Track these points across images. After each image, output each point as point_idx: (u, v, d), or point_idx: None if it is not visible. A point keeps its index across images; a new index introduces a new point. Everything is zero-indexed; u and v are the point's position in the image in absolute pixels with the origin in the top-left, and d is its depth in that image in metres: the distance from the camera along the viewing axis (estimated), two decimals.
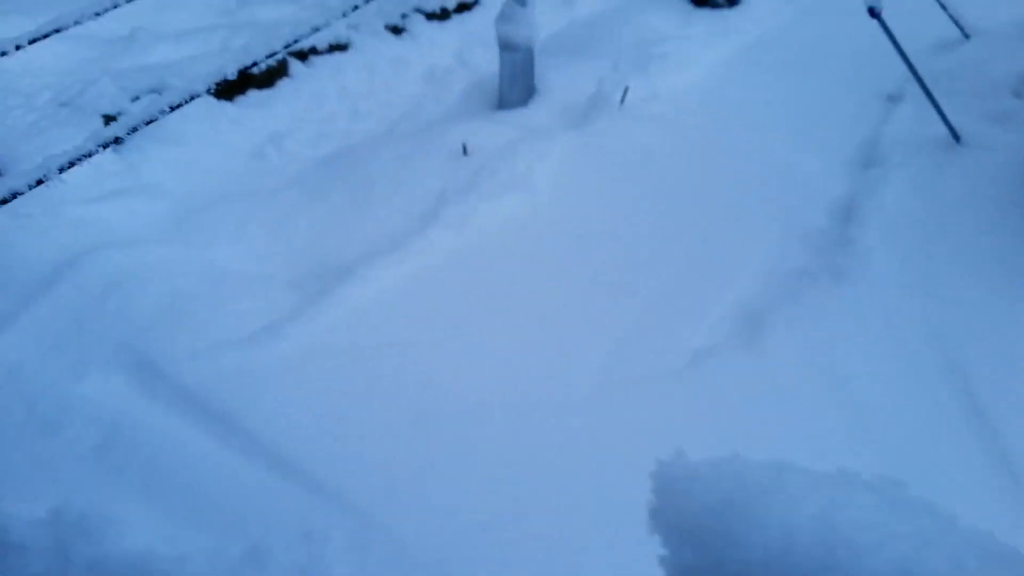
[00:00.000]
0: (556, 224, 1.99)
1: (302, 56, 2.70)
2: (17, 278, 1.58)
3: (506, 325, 1.63)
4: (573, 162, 2.26)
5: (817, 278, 1.73)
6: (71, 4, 2.24)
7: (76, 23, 1.50)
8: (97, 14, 1.54)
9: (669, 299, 1.72)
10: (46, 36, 1.45)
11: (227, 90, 2.45)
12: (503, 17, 2.53)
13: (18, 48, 1.39)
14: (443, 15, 3.30)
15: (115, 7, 1.57)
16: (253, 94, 2.49)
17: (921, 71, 2.19)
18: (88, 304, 1.55)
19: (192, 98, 1.55)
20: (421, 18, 3.20)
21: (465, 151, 2.18)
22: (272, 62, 2.57)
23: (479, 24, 3.37)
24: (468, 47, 3.20)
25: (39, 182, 1.01)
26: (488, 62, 3.14)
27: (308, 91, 2.57)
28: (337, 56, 2.78)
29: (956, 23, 2.69)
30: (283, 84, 2.59)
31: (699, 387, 1.45)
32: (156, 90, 2.22)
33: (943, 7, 2.66)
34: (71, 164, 1.03)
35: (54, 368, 1.45)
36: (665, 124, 2.49)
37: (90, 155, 1.06)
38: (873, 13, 1.96)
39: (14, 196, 0.98)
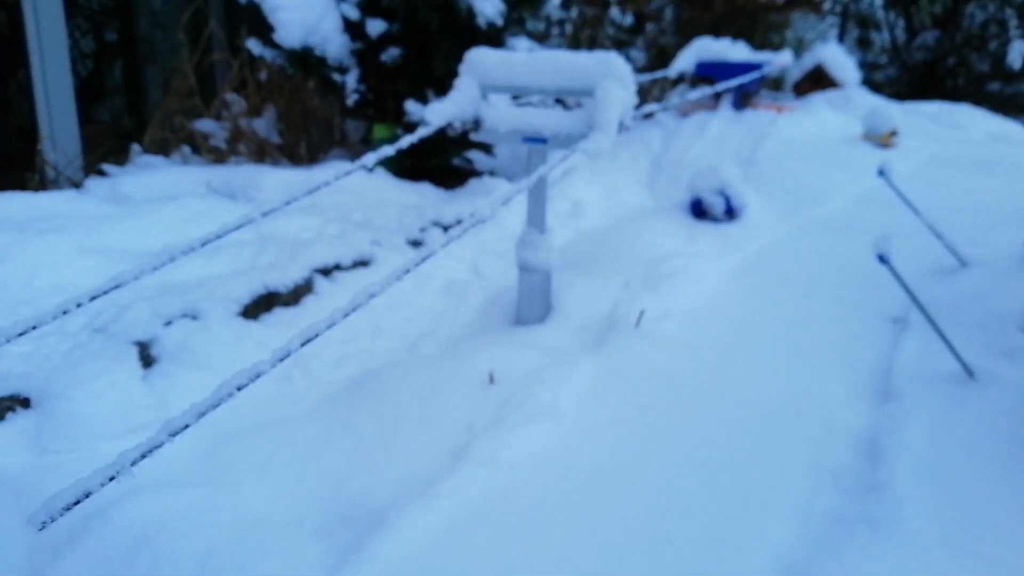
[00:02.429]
0: (584, 462, 1.99)
1: (326, 272, 2.80)
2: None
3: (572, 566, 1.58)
4: (595, 388, 2.29)
5: (853, 529, 1.71)
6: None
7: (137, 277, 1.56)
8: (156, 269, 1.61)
9: (707, 549, 1.69)
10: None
11: (253, 308, 2.51)
12: (523, 243, 2.67)
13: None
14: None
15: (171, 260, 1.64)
16: (279, 312, 2.56)
17: (924, 299, 2.30)
18: (117, 563, 1.50)
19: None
20: (439, 231, 3.35)
21: (492, 380, 2.21)
22: (299, 280, 2.66)
23: (492, 236, 3.53)
24: (483, 258, 3.33)
25: (111, 479, 1.01)
26: (502, 274, 3.26)
27: (332, 308, 2.63)
28: (360, 272, 2.88)
29: (952, 251, 2.85)
30: (308, 301, 2.66)
31: None
32: (188, 315, 2.27)
33: (939, 236, 2.83)
34: (143, 457, 1.04)
35: None
36: (681, 346, 2.56)
37: (160, 446, 1.07)
38: (882, 260, 2.08)
39: (87, 495, 0.98)
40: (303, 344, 1.39)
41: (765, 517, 1.82)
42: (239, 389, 1.28)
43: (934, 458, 1.95)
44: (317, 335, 1.42)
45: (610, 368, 2.39)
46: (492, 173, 4.29)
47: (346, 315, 1.49)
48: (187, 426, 1.15)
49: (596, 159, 3.18)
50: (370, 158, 2.17)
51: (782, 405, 2.28)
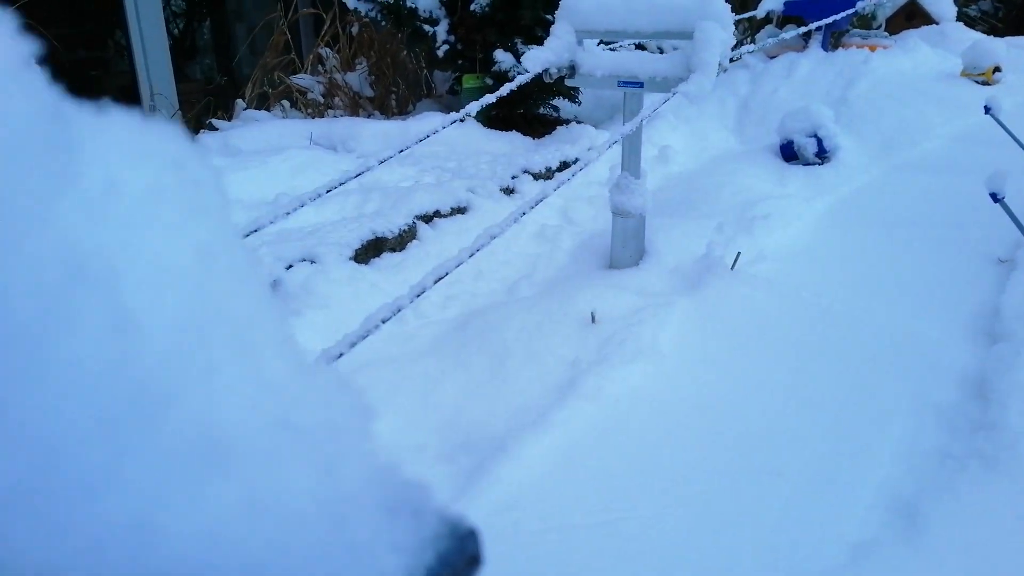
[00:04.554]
0: (689, 397, 2.06)
1: (427, 219, 2.91)
2: None
3: (656, 508, 1.67)
4: (693, 329, 2.35)
5: (965, 465, 1.74)
6: None
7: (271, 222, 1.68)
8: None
9: (814, 482, 1.75)
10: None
11: (363, 252, 2.65)
12: (618, 188, 2.71)
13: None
14: (547, 175, 3.52)
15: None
16: (387, 256, 2.69)
17: None
18: None
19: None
20: (529, 178, 3.42)
21: (593, 319, 2.29)
22: (403, 226, 2.78)
23: (580, 181, 3.57)
24: (572, 205, 3.38)
25: None
26: (591, 219, 3.31)
27: (435, 253, 2.75)
28: (459, 219, 2.98)
29: None
30: (412, 246, 2.78)
31: None
32: (307, 259, 2.42)
33: None
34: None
35: None
36: (777, 288, 2.58)
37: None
38: (995, 198, 2.05)
39: None
40: (436, 281, 1.49)
41: (871, 452, 1.86)
42: (383, 322, 1.39)
43: None
44: (447, 273, 1.52)
45: (707, 309, 2.44)
46: (577, 120, 4.31)
47: (471, 255, 1.59)
48: (341, 355, 1.26)
49: (696, 102, 3.17)
50: (473, 106, 2.22)
51: (883, 345, 2.29)
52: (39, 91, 0.22)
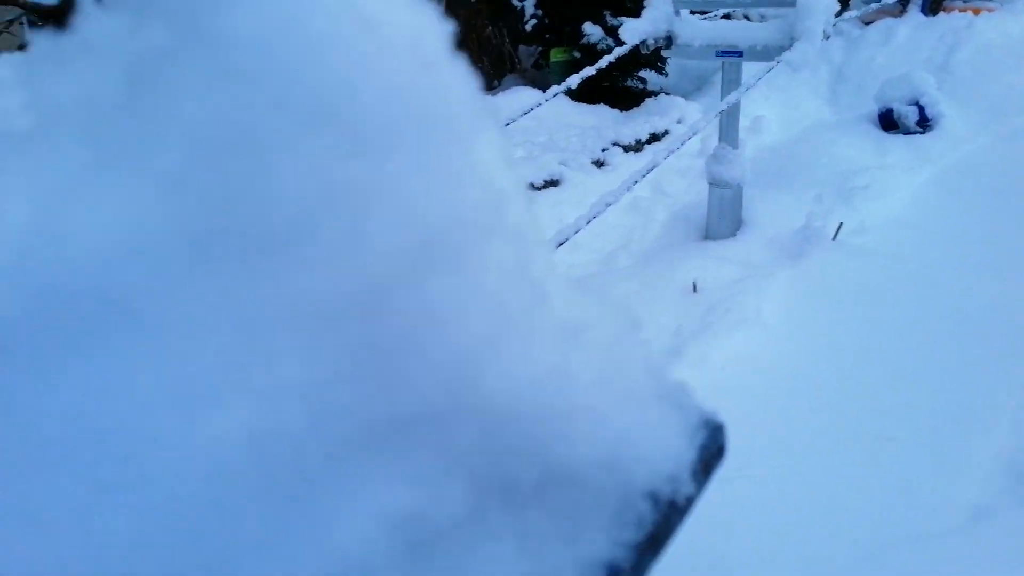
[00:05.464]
0: (793, 364, 2.07)
1: None
2: None
3: (766, 468, 1.70)
4: (796, 299, 2.34)
5: None
6: None
7: None
8: None
9: (929, 448, 1.74)
10: None
11: None
12: (715, 158, 2.70)
13: None
14: (637, 147, 3.53)
15: None
16: None
17: None
18: None
19: None
20: (619, 151, 3.43)
21: (695, 289, 2.31)
22: None
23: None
24: (664, 177, 3.38)
25: None
26: (683, 191, 3.31)
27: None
28: (552, 191, 3.03)
29: None
30: None
31: (982, 550, 1.46)
32: None
33: None
34: None
35: None
36: (880, 259, 2.54)
37: None
38: None
39: None
40: (559, 245, 1.54)
41: (985, 423, 1.83)
42: None
43: None
44: (567, 239, 1.57)
45: (809, 280, 2.42)
46: (665, 92, 4.28)
47: (588, 221, 1.63)
48: None
49: (799, 70, 3.10)
50: (574, 79, 2.24)
51: (992, 316, 2.23)
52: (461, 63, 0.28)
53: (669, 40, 2.70)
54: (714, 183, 2.73)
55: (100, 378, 0.21)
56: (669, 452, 0.33)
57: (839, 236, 2.60)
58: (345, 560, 0.24)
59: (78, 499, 0.21)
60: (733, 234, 2.79)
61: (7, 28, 3.40)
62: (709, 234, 2.83)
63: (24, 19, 3.58)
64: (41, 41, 0.24)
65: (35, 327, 0.20)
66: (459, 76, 0.28)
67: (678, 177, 3.40)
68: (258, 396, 0.22)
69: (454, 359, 0.26)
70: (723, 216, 2.79)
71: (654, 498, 0.32)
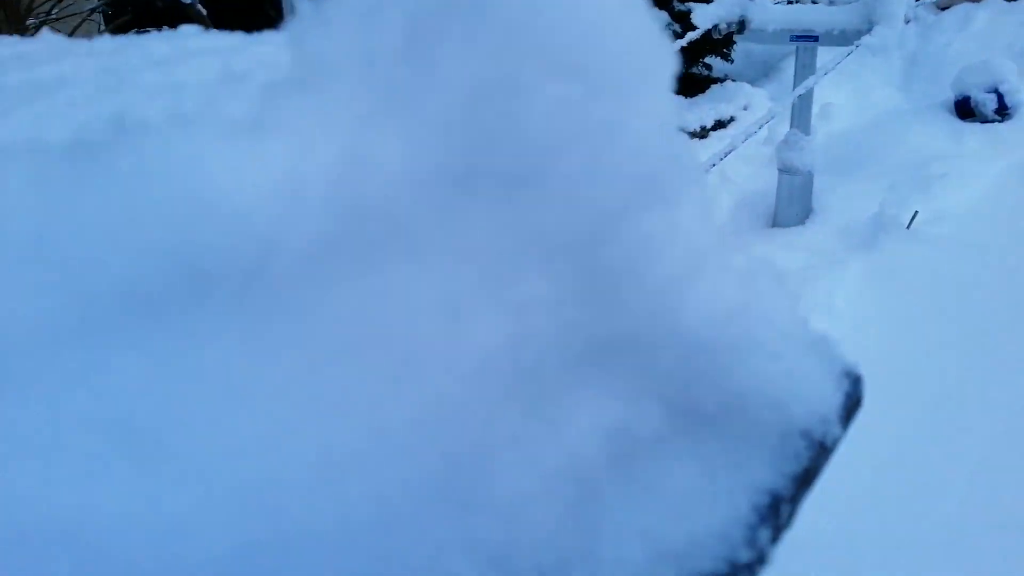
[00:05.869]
0: (865, 353, 2.02)
1: None
2: None
3: (843, 457, 1.69)
4: (869, 287, 2.31)
5: None
6: None
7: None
8: None
9: (1006, 441, 1.71)
10: None
11: None
12: (787, 144, 2.67)
13: None
14: (703, 134, 3.50)
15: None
16: None
17: None
18: None
19: None
20: (685, 138, 3.41)
21: None
22: None
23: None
24: (729, 163, 3.35)
25: None
26: (748, 178, 3.27)
27: None
28: None
29: None
30: None
31: None
32: None
33: None
34: None
35: None
36: (959, 248, 2.48)
37: None
38: None
39: None
40: None
41: None
42: None
43: None
44: None
45: (883, 269, 2.38)
46: (731, 78, 4.23)
47: None
48: None
49: (879, 55, 3.04)
50: None
51: None
52: None
53: (742, 25, 2.68)
54: (785, 169, 2.70)
55: (383, 288, 0.24)
56: (823, 395, 0.36)
57: (913, 225, 2.55)
58: (572, 462, 0.27)
59: (369, 390, 0.24)
60: (802, 222, 2.76)
61: (89, 16, 3.59)
62: (777, 221, 2.80)
63: (101, 9, 3.79)
64: (305, 7, 0.27)
65: (340, 242, 0.24)
66: (659, 33, 0.31)
67: (743, 164, 3.36)
68: (512, 310, 0.26)
69: (661, 288, 0.29)
70: (792, 203, 2.75)
71: (808, 436, 0.34)
